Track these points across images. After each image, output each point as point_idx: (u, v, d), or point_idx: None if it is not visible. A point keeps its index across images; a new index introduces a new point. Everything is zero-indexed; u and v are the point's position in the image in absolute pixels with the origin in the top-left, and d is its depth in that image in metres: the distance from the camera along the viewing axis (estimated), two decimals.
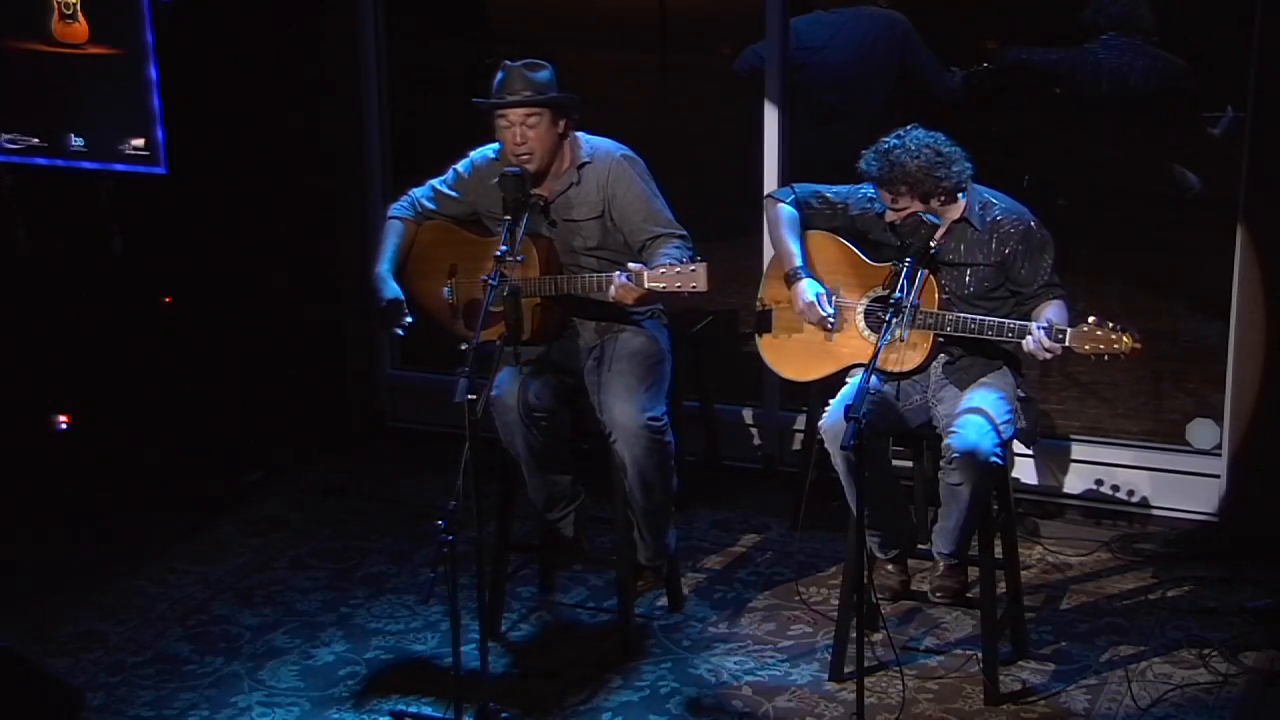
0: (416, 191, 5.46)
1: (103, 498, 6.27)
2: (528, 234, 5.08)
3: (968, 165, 4.92)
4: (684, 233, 5.22)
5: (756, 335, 5.29)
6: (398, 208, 5.47)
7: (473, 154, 5.42)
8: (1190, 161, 6.53)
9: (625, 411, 5.12)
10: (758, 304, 5.28)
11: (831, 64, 6.52)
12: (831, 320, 5.07)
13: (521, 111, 5.14)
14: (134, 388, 6.40)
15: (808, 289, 5.08)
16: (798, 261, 5.11)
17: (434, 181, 5.46)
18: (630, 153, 5.30)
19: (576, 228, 5.25)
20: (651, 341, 5.29)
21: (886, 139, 4.93)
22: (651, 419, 5.13)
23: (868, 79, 6.52)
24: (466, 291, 5.35)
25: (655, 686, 5.16)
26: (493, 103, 5.17)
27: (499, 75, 5.20)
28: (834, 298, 5.09)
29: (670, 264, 4.92)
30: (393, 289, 5.28)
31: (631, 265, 4.96)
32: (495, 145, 5.32)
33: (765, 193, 5.31)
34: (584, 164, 5.25)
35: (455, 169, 5.43)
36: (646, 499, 5.23)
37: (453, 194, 5.40)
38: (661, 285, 4.89)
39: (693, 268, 4.87)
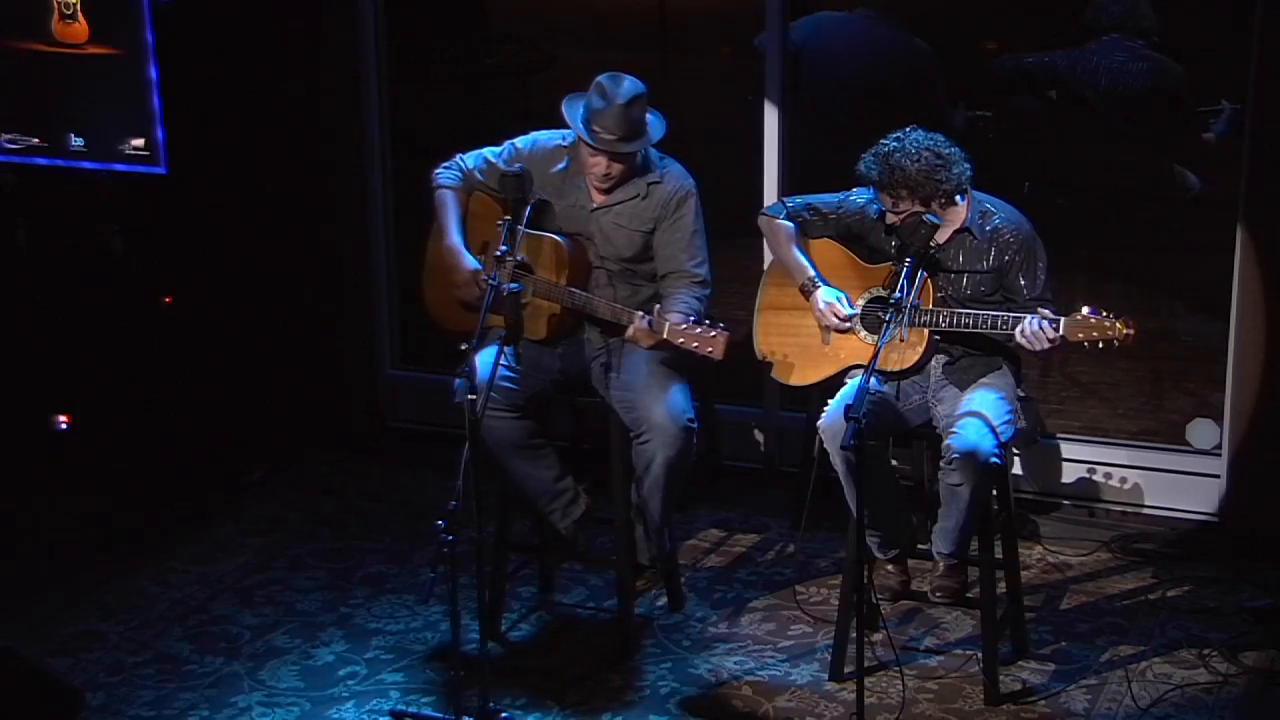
0: (467, 160, 5.36)
1: (102, 498, 6.27)
2: (567, 236, 5.11)
3: (967, 166, 4.92)
4: (707, 280, 5.23)
5: (755, 343, 5.28)
6: (447, 176, 5.36)
7: (536, 134, 5.34)
8: (1190, 161, 6.53)
9: (665, 414, 5.10)
10: (756, 310, 5.28)
11: (847, 83, 6.49)
12: (853, 321, 5.06)
13: None
14: (134, 388, 6.40)
15: (827, 292, 5.08)
16: (811, 271, 5.11)
17: (486, 152, 5.36)
18: (695, 187, 5.27)
19: (620, 236, 5.22)
20: None
21: (885, 142, 4.92)
22: (690, 420, 5.14)
23: (883, 106, 6.47)
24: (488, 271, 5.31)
25: (655, 686, 5.16)
26: (594, 146, 5.09)
27: (598, 101, 5.06)
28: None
29: (694, 323, 4.92)
30: (470, 260, 5.24)
31: (658, 310, 4.96)
32: (564, 133, 5.26)
33: (760, 209, 5.30)
34: (654, 182, 5.22)
35: (514, 144, 5.34)
36: (666, 495, 5.21)
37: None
38: (680, 341, 4.91)
39: (713, 333, 4.89)
